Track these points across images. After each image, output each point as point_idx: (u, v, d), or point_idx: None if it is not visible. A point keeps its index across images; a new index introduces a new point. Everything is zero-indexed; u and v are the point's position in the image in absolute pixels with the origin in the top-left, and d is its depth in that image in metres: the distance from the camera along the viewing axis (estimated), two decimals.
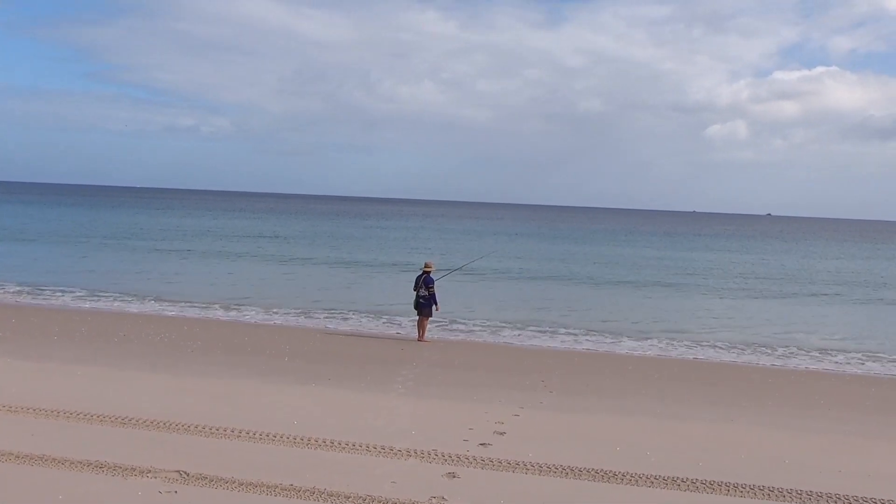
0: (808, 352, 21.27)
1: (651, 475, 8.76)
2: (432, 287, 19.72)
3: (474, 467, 8.84)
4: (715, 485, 8.56)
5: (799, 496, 8.35)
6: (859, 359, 20.48)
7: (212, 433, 9.73)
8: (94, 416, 10.23)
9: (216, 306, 25.08)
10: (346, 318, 23.84)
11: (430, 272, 20.01)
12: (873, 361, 20.19)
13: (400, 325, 22.69)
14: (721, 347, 21.40)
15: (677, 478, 8.71)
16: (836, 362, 19.92)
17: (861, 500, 8.32)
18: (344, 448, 9.33)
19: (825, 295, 37.96)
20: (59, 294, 26.63)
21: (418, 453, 9.21)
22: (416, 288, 19.95)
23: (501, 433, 10.43)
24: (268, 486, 7.91)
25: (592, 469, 8.86)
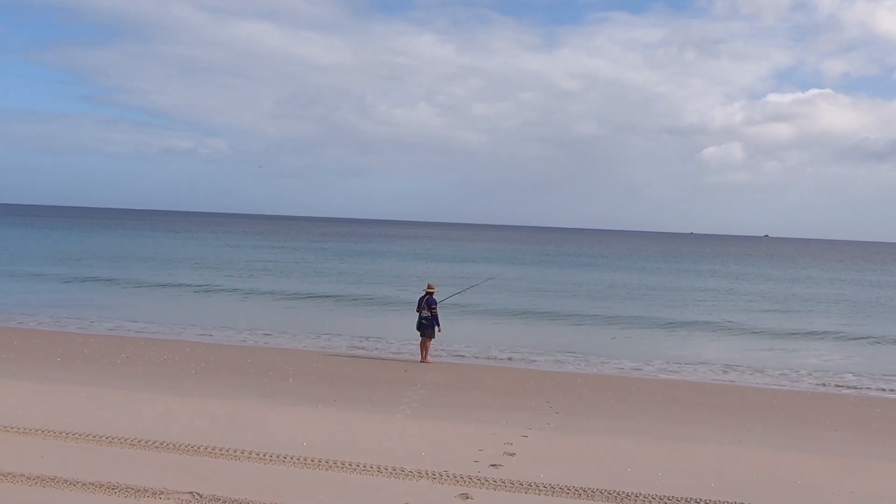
0: (810, 374, 21.26)
1: (664, 496, 8.73)
2: (435, 308, 19.73)
3: (487, 488, 8.81)
4: None
5: None
6: (861, 381, 20.45)
7: (223, 454, 9.70)
8: (104, 438, 10.20)
9: (216, 330, 25.03)
10: (344, 341, 23.71)
11: (432, 293, 20.02)
12: (875, 383, 20.16)
13: (397, 348, 22.53)
14: (722, 370, 21.38)
15: (690, 499, 8.69)
16: (838, 384, 19.89)
17: None
18: (355, 469, 9.30)
19: (825, 317, 38.00)
20: (71, 319, 26.52)
21: (430, 474, 9.18)
22: (419, 309, 19.96)
23: (511, 454, 10.41)
24: None
25: (605, 490, 8.84)
